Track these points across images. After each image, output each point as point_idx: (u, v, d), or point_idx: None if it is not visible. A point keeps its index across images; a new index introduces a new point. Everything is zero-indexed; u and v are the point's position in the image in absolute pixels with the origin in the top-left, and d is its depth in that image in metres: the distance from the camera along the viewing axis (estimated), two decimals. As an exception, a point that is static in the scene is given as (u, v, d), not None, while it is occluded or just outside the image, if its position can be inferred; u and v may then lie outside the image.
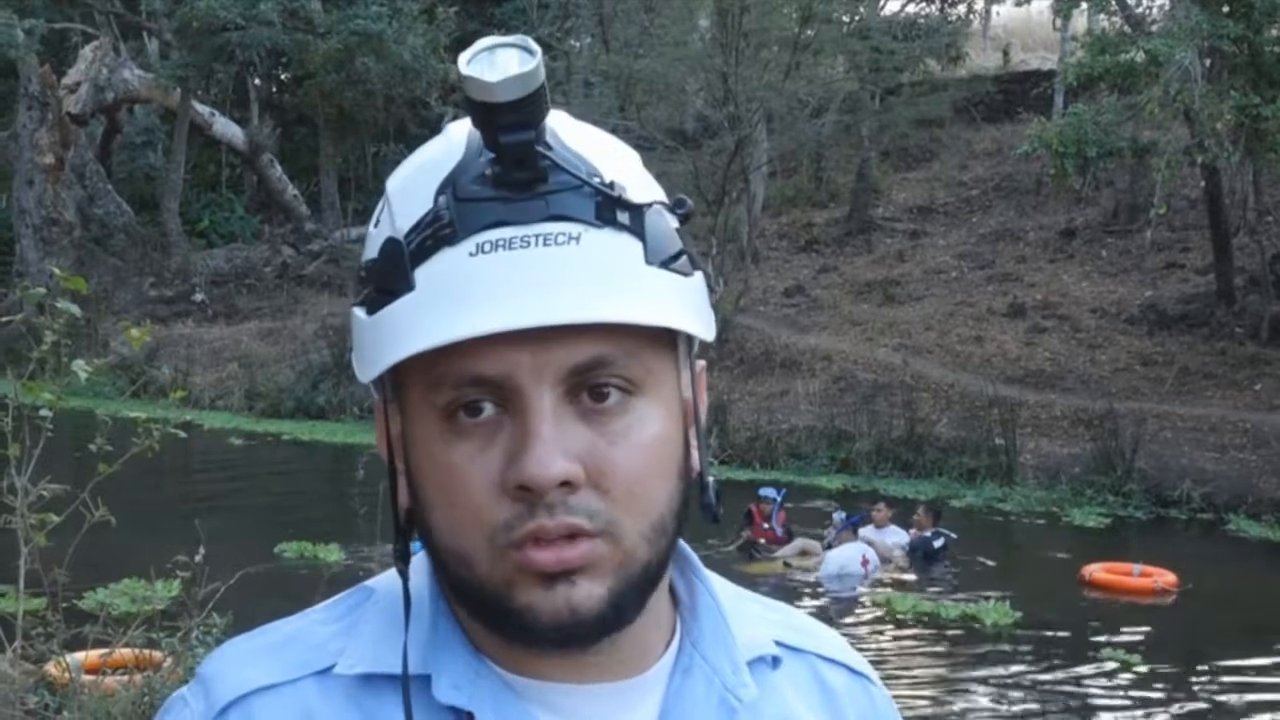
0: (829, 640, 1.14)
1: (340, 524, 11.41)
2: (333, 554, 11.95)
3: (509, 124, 0.87)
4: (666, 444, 0.94)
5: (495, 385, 0.89)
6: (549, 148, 0.89)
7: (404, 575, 0.98)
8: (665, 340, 0.94)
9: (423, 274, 0.89)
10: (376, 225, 0.95)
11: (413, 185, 0.93)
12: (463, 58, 0.87)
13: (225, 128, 32.86)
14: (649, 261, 0.90)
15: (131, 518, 6.82)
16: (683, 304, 0.92)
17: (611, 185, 0.90)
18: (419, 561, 1.02)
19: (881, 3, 31.52)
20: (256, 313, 28.97)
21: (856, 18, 28.55)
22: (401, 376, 0.92)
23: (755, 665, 1.05)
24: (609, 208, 0.90)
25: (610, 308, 0.87)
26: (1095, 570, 13.06)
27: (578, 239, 0.88)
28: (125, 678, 6.12)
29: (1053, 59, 33.95)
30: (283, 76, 37.41)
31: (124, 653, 6.44)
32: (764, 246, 28.01)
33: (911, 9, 32.49)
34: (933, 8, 32.77)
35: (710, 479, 1.01)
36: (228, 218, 34.14)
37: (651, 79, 25.57)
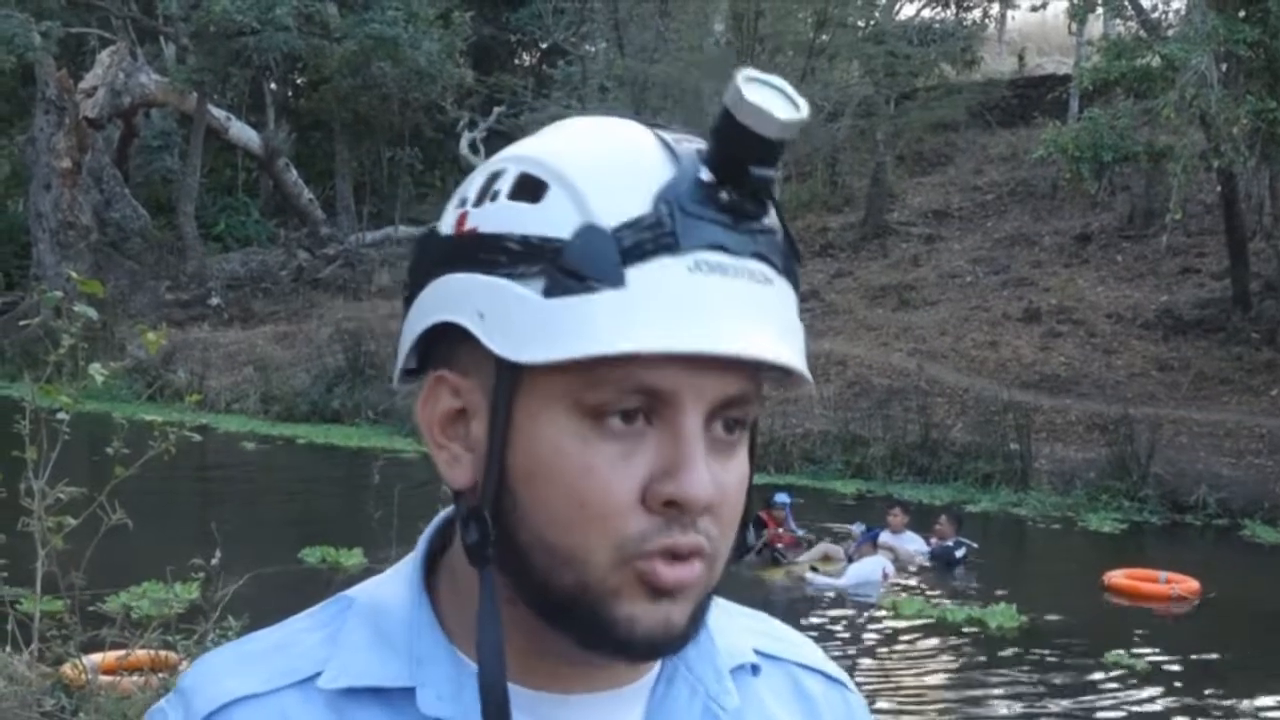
0: (806, 648, 1.15)
1: (357, 527, 11.42)
2: (354, 558, 11.94)
3: (766, 158, 0.88)
4: (748, 481, 0.96)
5: (656, 398, 0.89)
6: None
7: (486, 577, 0.94)
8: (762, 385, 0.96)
9: (636, 274, 0.87)
10: (528, 200, 0.92)
11: (610, 178, 0.90)
12: (742, 82, 0.87)
13: (241, 132, 32.93)
14: (798, 313, 0.95)
15: (148, 521, 6.84)
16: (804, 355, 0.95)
17: (788, 236, 0.94)
18: (401, 569, 1.03)
19: (897, 7, 31.53)
20: (272, 316, 29.02)
21: (871, 22, 28.57)
22: (528, 365, 0.90)
23: (736, 673, 1.06)
24: (790, 259, 0.93)
25: (789, 353, 0.91)
26: (1118, 576, 13.01)
27: (772, 282, 0.91)
28: (141, 679, 6.14)
29: (1068, 63, 33.89)
30: (298, 81, 37.49)
31: (140, 654, 6.46)
32: (779, 251, 27.95)
33: (927, 13, 32.51)
34: (948, 12, 32.79)
35: (750, 521, 1.03)
36: (243, 221, 34.20)
37: (666, 84, 25.59)
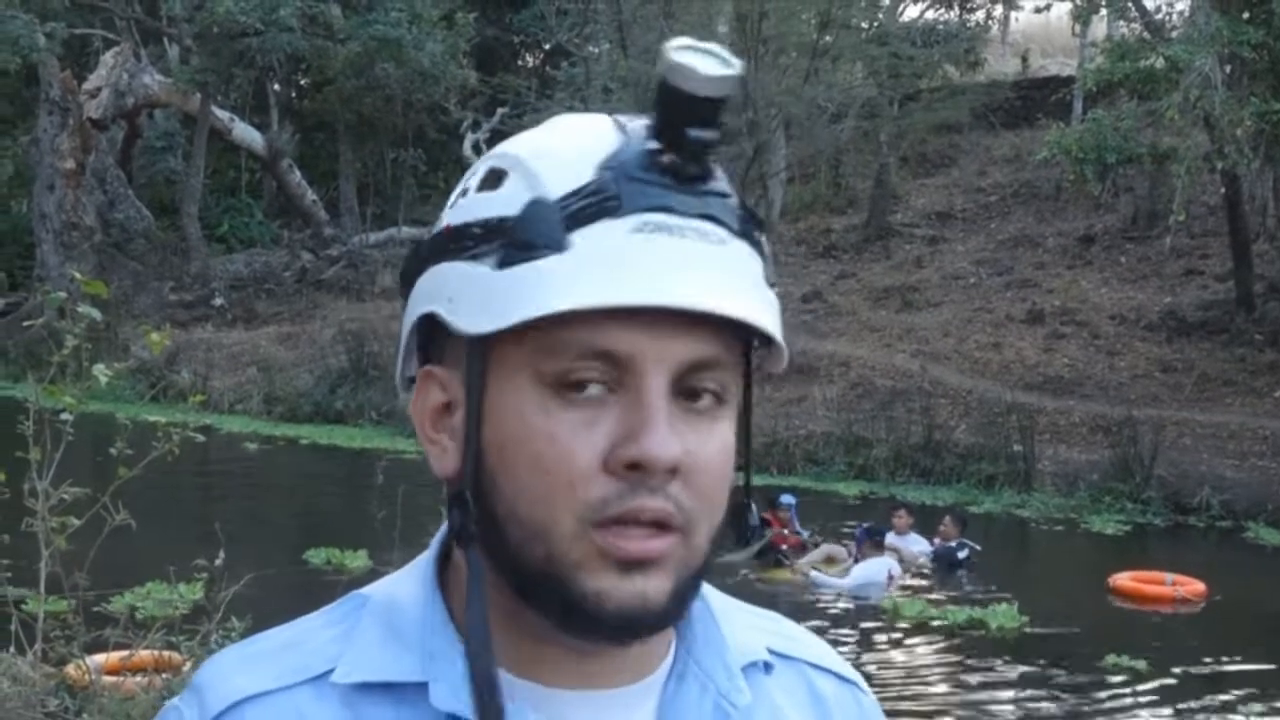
0: (817, 648, 1.15)
1: (361, 529, 11.42)
2: (359, 559, 11.93)
3: (701, 118, 0.90)
4: (732, 455, 0.96)
5: (616, 363, 0.90)
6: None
7: (467, 554, 0.96)
8: (743, 357, 0.97)
9: (580, 238, 0.90)
10: (492, 189, 0.95)
11: (559, 155, 0.93)
12: (669, 47, 0.89)
13: (245, 133, 32.95)
14: (767, 280, 0.95)
15: (152, 521, 6.85)
16: (779, 323, 0.95)
17: (746, 204, 0.95)
18: (416, 566, 1.03)
19: (900, 8, 31.52)
20: (275, 317, 29.04)
21: (875, 24, 28.54)
22: (493, 340, 0.92)
23: (748, 671, 1.06)
24: (748, 223, 0.94)
25: (752, 309, 0.91)
26: (1123, 578, 12.99)
27: (725, 243, 0.92)
28: (145, 680, 6.14)
29: (1072, 65, 33.90)
30: (302, 82, 37.51)
31: (144, 654, 6.46)
32: (782, 252, 28.00)
33: (930, 15, 32.50)
34: (951, 14, 32.77)
35: (753, 503, 1.04)
36: (247, 222, 34.21)
37: (670, 85, 25.50)
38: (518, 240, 0.91)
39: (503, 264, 0.91)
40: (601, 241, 0.89)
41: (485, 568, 0.95)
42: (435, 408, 0.99)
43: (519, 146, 0.97)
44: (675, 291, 0.88)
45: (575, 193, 0.91)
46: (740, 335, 0.94)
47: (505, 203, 0.93)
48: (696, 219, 0.91)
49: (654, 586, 0.91)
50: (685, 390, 0.92)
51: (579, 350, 0.90)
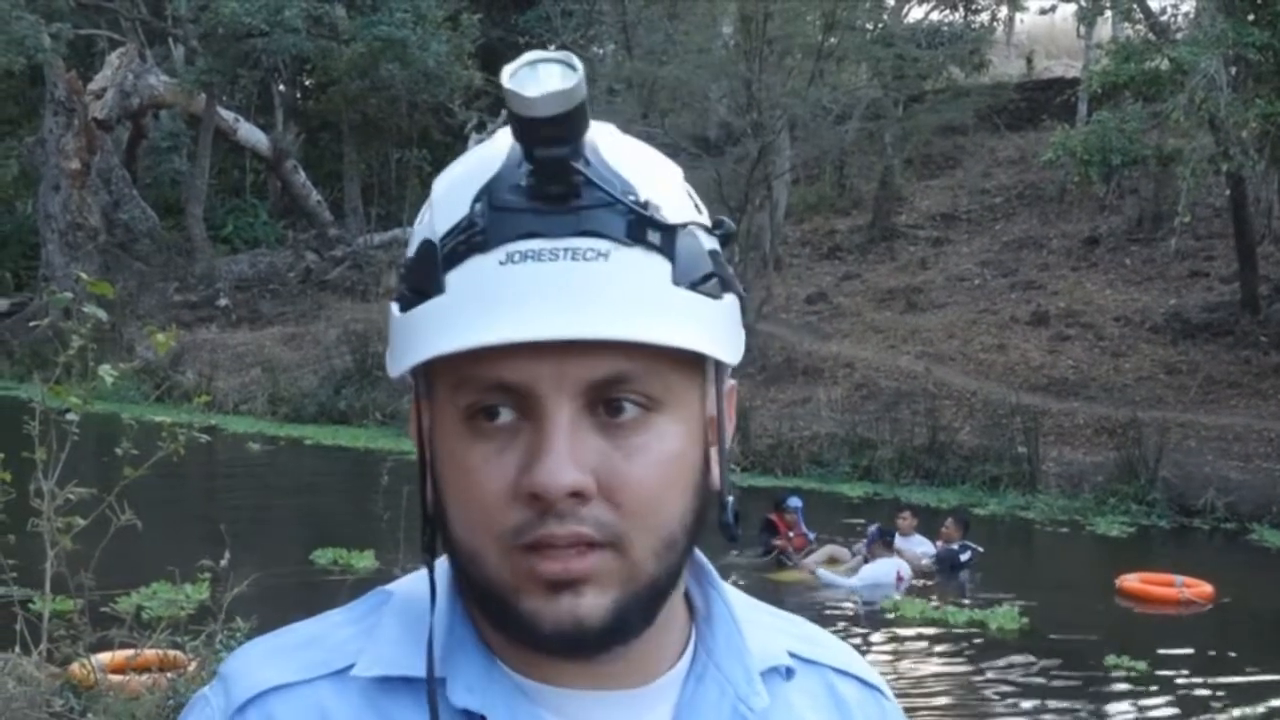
0: (842, 652, 1.14)
1: (367, 529, 11.43)
2: (366, 560, 11.94)
3: (547, 138, 0.88)
4: (682, 460, 0.94)
5: (516, 392, 0.90)
6: (586, 163, 0.90)
7: (430, 567, 0.99)
8: (690, 359, 0.94)
9: (454, 278, 0.90)
10: (419, 225, 0.96)
11: (454, 190, 0.94)
12: (506, 71, 0.88)
13: (250, 133, 32.97)
14: (676, 282, 0.91)
15: (157, 522, 6.86)
16: (708, 326, 0.93)
17: (645, 205, 0.91)
18: (440, 565, 1.03)
19: (905, 10, 31.52)
20: (280, 318, 29.05)
21: (880, 25, 28.54)
22: (432, 375, 0.94)
23: (768, 676, 1.05)
24: (640, 227, 0.91)
25: (633, 327, 0.88)
26: (1131, 580, 12.96)
27: (607, 256, 0.89)
28: (150, 680, 6.15)
29: (1077, 66, 33.87)
30: (307, 82, 37.53)
31: (149, 654, 6.47)
32: (786, 253, 28.01)
33: (935, 16, 32.48)
34: (956, 15, 32.75)
35: (730, 499, 1.01)
36: (252, 223, 34.23)
37: (675, 86, 25.56)
38: (412, 284, 0.93)
39: (404, 307, 0.94)
40: (471, 279, 0.90)
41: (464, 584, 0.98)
42: (425, 431, 1.01)
43: (440, 177, 0.98)
44: (540, 323, 0.87)
45: (451, 230, 0.92)
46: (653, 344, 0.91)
47: (414, 243, 0.96)
48: (570, 238, 0.89)
49: (587, 604, 0.91)
50: (605, 404, 0.91)
51: (478, 384, 0.91)
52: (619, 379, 0.90)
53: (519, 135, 0.89)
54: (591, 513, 0.90)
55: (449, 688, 0.96)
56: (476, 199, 0.91)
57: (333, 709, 0.97)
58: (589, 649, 0.94)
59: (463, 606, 1.00)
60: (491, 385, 0.90)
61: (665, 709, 1.00)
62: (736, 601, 1.07)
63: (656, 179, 0.95)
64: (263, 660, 1.01)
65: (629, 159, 0.94)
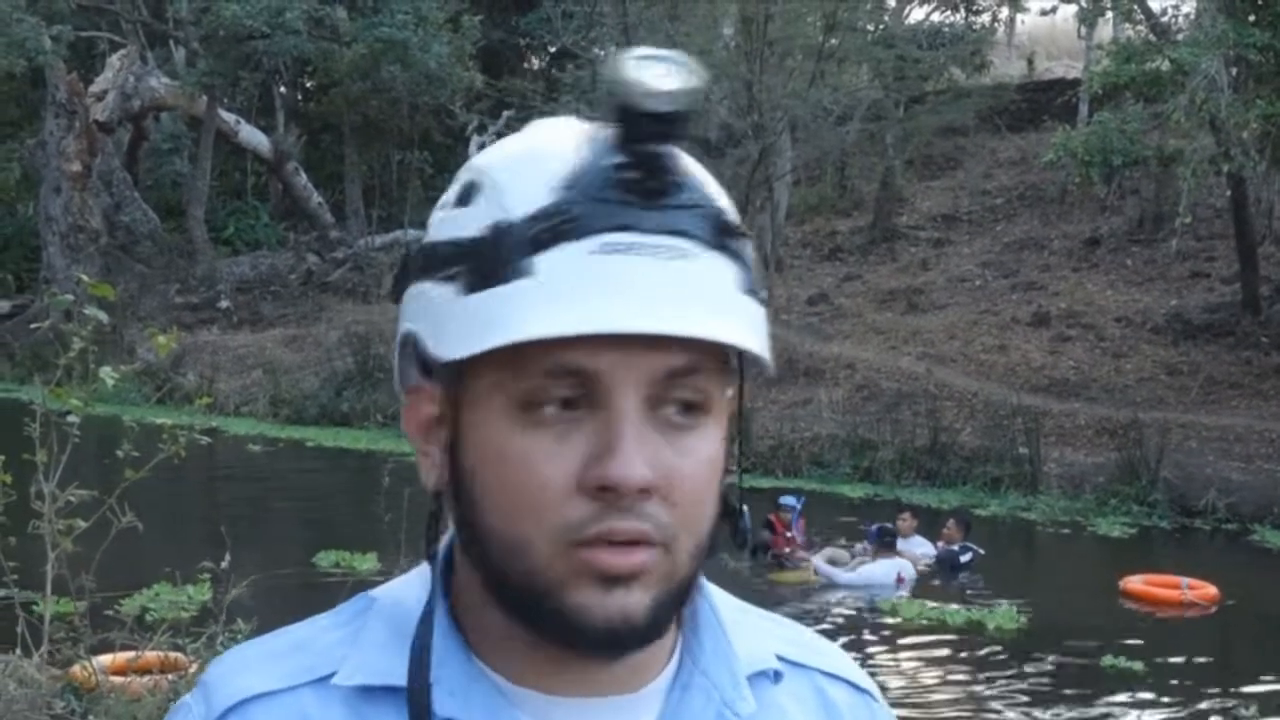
0: (832, 656, 1.14)
1: (369, 531, 11.43)
2: (368, 562, 11.93)
3: (658, 133, 0.89)
4: (718, 463, 0.95)
5: (584, 380, 0.90)
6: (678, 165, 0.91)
7: (433, 560, 0.98)
8: (728, 364, 0.95)
9: (540, 263, 0.89)
10: (464, 205, 0.95)
11: (523, 173, 0.93)
12: (625, 61, 0.88)
13: (251, 135, 32.98)
14: (741, 288, 0.93)
15: (159, 524, 6.86)
16: (761, 331, 0.94)
17: (724, 211, 0.93)
18: (425, 569, 1.02)
19: (906, 11, 31.53)
20: (281, 320, 29.06)
21: (881, 26, 28.56)
22: (467, 361, 0.92)
23: (756, 680, 1.05)
24: (720, 232, 0.92)
25: (716, 327, 0.89)
26: (1135, 581, 12.94)
27: (692, 256, 0.90)
28: (151, 681, 6.15)
29: (1078, 67, 33.88)
30: (308, 84, 37.53)
31: (150, 655, 6.48)
32: (787, 255, 28.00)
33: (936, 17, 32.49)
34: (957, 16, 32.76)
35: (745, 506, 1.02)
36: (253, 225, 34.23)
37: (676, 87, 25.50)
38: (482, 265, 0.91)
39: (470, 289, 0.91)
40: (562, 266, 0.88)
41: (476, 581, 0.97)
42: (426, 420, 0.99)
43: (490, 159, 0.96)
44: (633, 315, 0.87)
45: (536, 215, 0.90)
46: (717, 344, 0.92)
47: (473, 223, 0.93)
48: (660, 235, 0.89)
49: (634, 600, 0.91)
50: (663, 401, 0.91)
51: (547, 369, 0.89)
52: (681, 373, 0.91)
53: (628, 127, 0.89)
54: (651, 510, 0.90)
55: (434, 696, 0.95)
56: (565, 186, 0.90)
57: (315, 717, 0.97)
58: (631, 646, 0.93)
59: (447, 609, 0.99)
60: (561, 371, 0.89)
61: (650, 716, 1.00)
62: (723, 604, 1.07)
63: (719, 188, 0.96)
64: (245, 667, 1.00)
65: (696, 165, 0.95)
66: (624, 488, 0.89)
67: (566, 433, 0.90)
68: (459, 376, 0.94)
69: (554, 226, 0.89)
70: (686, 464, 0.92)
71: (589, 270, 0.88)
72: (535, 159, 0.93)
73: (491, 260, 0.90)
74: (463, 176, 0.97)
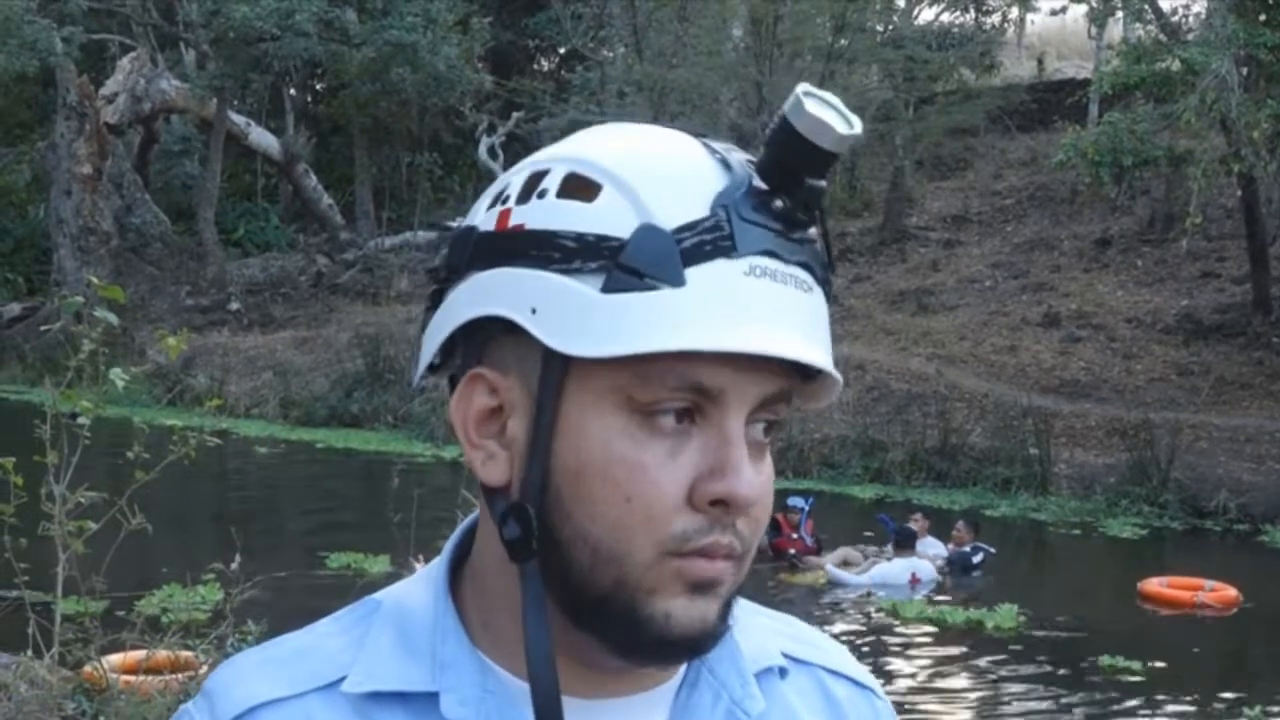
0: (834, 652, 1.15)
1: (379, 533, 11.44)
2: (380, 564, 11.93)
3: (819, 171, 0.92)
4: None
5: (704, 395, 0.91)
6: None
7: (524, 572, 0.94)
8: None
9: (696, 274, 0.89)
10: (577, 199, 0.92)
11: (666, 180, 0.92)
12: (806, 97, 0.91)
13: (261, 137, 33.05)
14: (829, 322, 0.98)
15: (169, 526, 6.87)
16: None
17: (828, 249, 0.97)
18: (428, 573, 1.03)
19: (915, 12, 31.50)
20: (291, 321, 29.10)
21: (890, 27, 28.55)
22: (581, 364, 0.91)
23: (763, 677, 1.05)
24: (827, 270, 0.97)
25: (826, 358, 0.94)
26: (1153, 584, 12.87)
27: (813, 290, 0.94)
28: (161, 682, 6.16)
29: (1088, 68, 33.82)
30: (318, 86, 37.61)
31: (161, 656, 6.49)
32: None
33: (946, 18, 32.46)
34: (967, 17, 32.73)
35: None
36: (263, 227, 34.31)
37: (685, 89, 25.58)
38: (627, 265, 0.89)
39: (609, 288, 0.89)
40: (717, 281, 0.89)
41: (556, 584, 0.94)
42: (482, 411, 0.96)
43: (609, 158, 0.94)
44: (777, 341, 0.90)
45: (691, 226, 0.90)
46: (800, 371, 0.95)
47: (608, 221, 0.91)
48: (795, 266, 0.92)
49: (712, 609, 0.93)
50: (754, 420, 0.94)
51: (676, 382, 0.90)
52: (775, 401, 0.94)
53: (797, 162, 0.91)
54: (741, 525, 0.93)
55: (442, 702, 0.95)
56: (719, 203, 0.91)
57: None
58: (703, 651, 0.95)
59: (454, 615, 0.99)
60: (688, 386, 0.90)
61: (660, 715, 1.00)
62: None
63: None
64: (249, 674, 0.99)
65: None
66: (742, 504, 0.91)
67: (680, 445, 0.91)
68: (560, 375, 0.92)
69: (713, 241, 0.90)
70: (765, 481, 0.95)
71: (742, 289, 0.90)
72: (670, 168, 0.93)
73: (640, 262, 0.89)
74: (559, 168, 0.95)
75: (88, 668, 6.22)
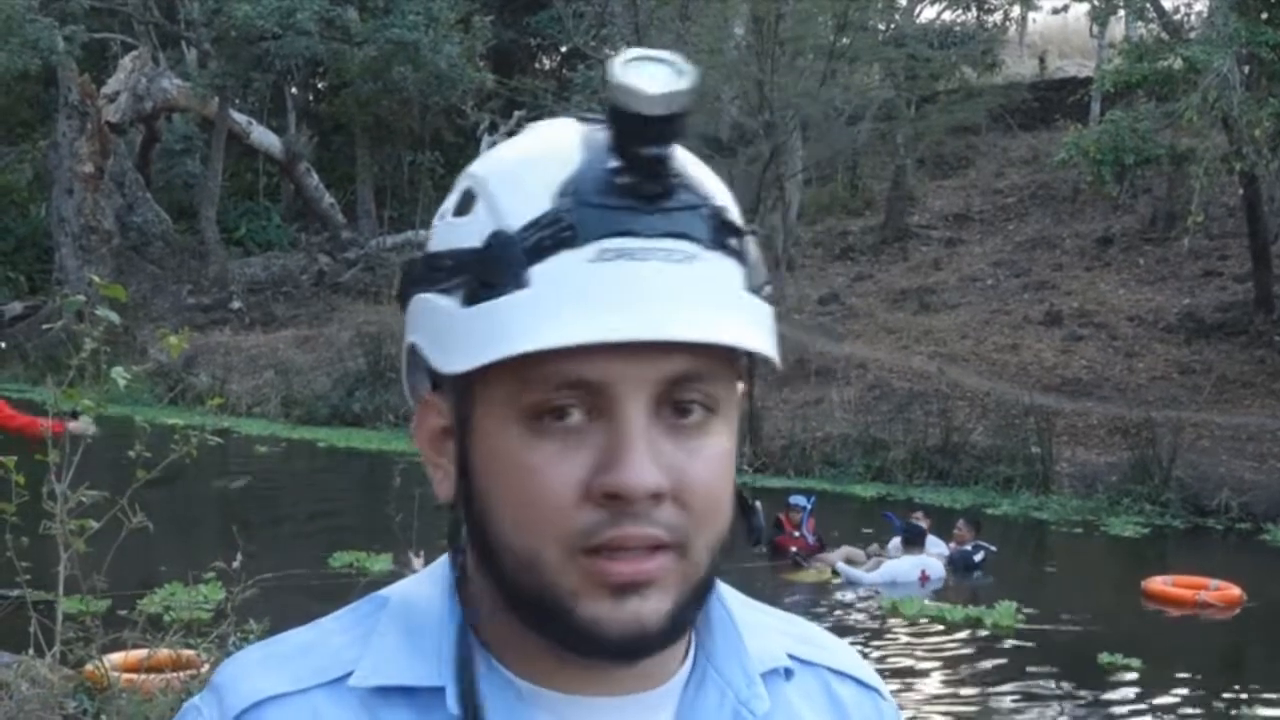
0: (840, 653, 1.14)
1: (380, 531, 11.44)
2: (382, 563, 11.93)
3: (653, 136, 0.87)
4: (731, 461, 0.95)
5: (590, 390, 0.89)
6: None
7: (457, 568, 0.99)
8: (735, 362, 0.95)
9: (539, 273, 0.88)
10: (463, 214, 0.94)
11: (520, 180, 0.92)
12: (616, 65, 0.86)
13: (262, 136, 33.04)
14: (747, 288, 0.92)
15: (170, 524, 6.87)
16: (768, 330, 0.93)
17: (724, 210, 0.92)
18: (434, 570, 1.03)
19: (917, 10, 31.50)
20: (293, 320, 29.11)
21: (892, 25, 28.53)
22: (473, 372, 0.91)
23: (768, 677, 1.05)
24: (722, 231, 0.91)
25: (720, 329, 0.88)
26: (1157, 582, 12.86)
27: (694, 259, 0.89)
28: (163, 681, 6.16)
29: (1089, 66, 33.81)
30: (319, 85, 37.60)
31: (162, 654, 6.48)
32: (799, 254, 27.99)
33: (947, 17, 32.46)
34: (969, 15, 32.73)
35: (758, 502, 1.02)
36: (265, 226, 34.30)
37: (687, 87, 25.48)
38: (482, 276, 0.90)
39: (470, 300, 0.90)
40: (561, 275, 0.87)
41: (491, 591, 0.96)
42: (434, 432, 0.99)
43: (487, 167, 0.95)
44: (637, 322, 0.86)
45: (534, 223, 0.89)
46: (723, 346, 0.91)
47: (471, 233, 0.92)
48: (661, 239, 0.88)
49: (650, 608, 0.91)
50: (673, 405, 0.91)
51: (554, 381, 0.89)
52: (689, 379, 0.90)
53: (623, 131, 0.87)
54: (663, 514, 0.90)
55: (447, 697, 0.95)
56: (562, 193, 0.89)
57: (329, 718, 0.96)
58: (647, 652, 0.93)
59: (461, 611, 0.99)
60: (566, 382, 0.89)
61: (667, 714, 1.00)
62: (734, 603, 1.07)
63: (720, 187, 0.95)
64: (256, 669, 0.99)
65: (695, 164, 0.94)
66: (633, 494, 0.88)
67: (574, 442, 0.90)
68: (467, 389, 0.93)
69: (552, 234, 0.88)
70: (697, 465, 0.91)
71: (588, 278, 0.87)
72: (531, 165, 0.92)
73: (490, 271, 0.89)
74: (461, 184, 0.96)
75: (89, 666, 6.22)
